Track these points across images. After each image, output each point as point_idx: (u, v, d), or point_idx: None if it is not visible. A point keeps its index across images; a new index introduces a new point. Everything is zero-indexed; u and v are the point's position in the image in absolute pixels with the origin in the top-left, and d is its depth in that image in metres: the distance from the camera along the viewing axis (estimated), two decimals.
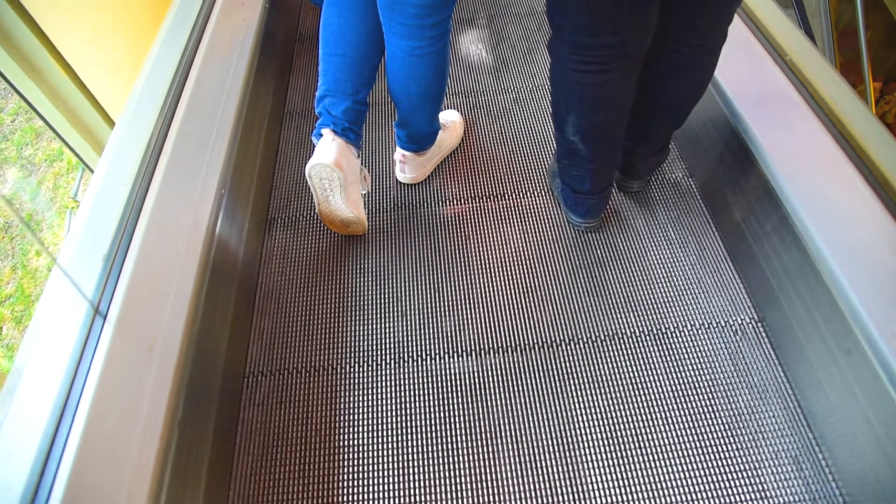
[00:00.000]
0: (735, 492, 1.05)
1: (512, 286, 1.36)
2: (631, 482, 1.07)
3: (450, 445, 1.13)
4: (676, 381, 1.19)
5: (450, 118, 1.65)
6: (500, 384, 1.21)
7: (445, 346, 1.27)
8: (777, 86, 1.28)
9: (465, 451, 1.13)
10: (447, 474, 1.10)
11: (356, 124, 1.30)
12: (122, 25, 1.60)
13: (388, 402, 1.20)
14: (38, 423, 0.85)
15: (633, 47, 1.05)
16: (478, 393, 1.20)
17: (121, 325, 0.97)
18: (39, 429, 0.84)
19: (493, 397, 1.19)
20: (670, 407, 1.16)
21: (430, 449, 1.13)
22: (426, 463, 1.12)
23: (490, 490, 1.08)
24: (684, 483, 1.07)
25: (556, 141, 1.32)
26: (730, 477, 1.07)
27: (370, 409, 1.19)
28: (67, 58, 1.65)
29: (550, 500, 1.06)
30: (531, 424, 1.15)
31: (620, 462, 1.10)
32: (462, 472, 1.10)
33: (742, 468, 1.08)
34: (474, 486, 1.08)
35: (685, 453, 1.10)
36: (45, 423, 0.85)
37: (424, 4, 1.12)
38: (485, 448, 1.13)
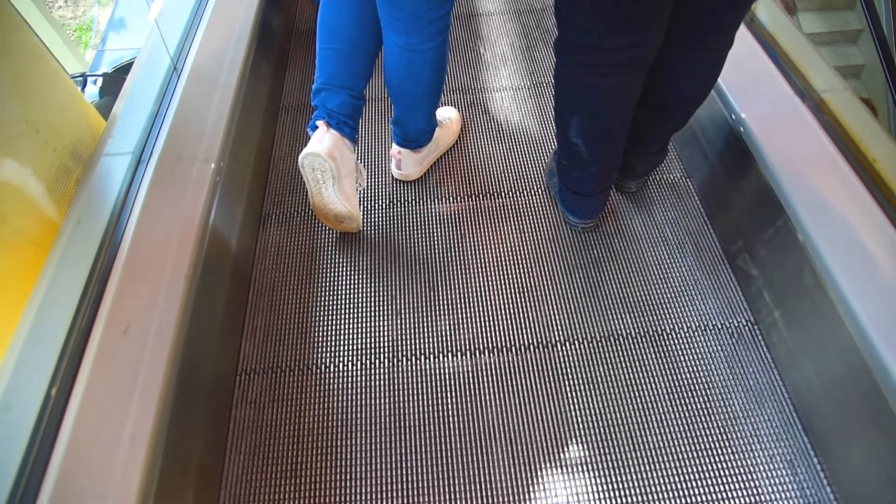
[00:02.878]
0: (729, 495, 1.05)
1: (507, 285, 1.35)
2: (624, 483, 1.07)
3: (443, 445, 1.13)
4: (672, 383, 1.18)
5: (447, 115, 1.64)
6: (495, 384, 1.20)
7: (440, 344, 1.26)
8: (777, 87, 1.27)
9: (459, 451, 1.12)
10: (441, 474, 1.09)
11: (352, 118, 1.29)
12: None
13: (382, 401, 1.19)
14: (26, 416, 0.84)
15: (643, 51, 1.03)
16: (472, 392, 1.19)
17: (112, 320, 0.96)
18: (28, 422, 0.84)
19: (487, 397, 1.18)
20: (665, 409, 1.15)
21: (423, 448, 1.12)
22: (420, 462, 1.11)
23: (483, 490, 1.07)
24: (678, 485, 1.06)
25: (557, 142, 1.31)
26: (724, 480, 1.07)
27: (364, 408, 1.18)
28: None
29: (544, 501, 1.05)
30: (525, 425, 1.14)
31: (614, 463, 1.09)
32: (456, 471, 1.09)
33: (737, 471, 1.07)
34: (468, 486, 1.08)
35: (679, 455, 1.10)
36: (34, 416, 0.84)
37: (423, 0, 1.11)
38: (479, 448, 1.12)
